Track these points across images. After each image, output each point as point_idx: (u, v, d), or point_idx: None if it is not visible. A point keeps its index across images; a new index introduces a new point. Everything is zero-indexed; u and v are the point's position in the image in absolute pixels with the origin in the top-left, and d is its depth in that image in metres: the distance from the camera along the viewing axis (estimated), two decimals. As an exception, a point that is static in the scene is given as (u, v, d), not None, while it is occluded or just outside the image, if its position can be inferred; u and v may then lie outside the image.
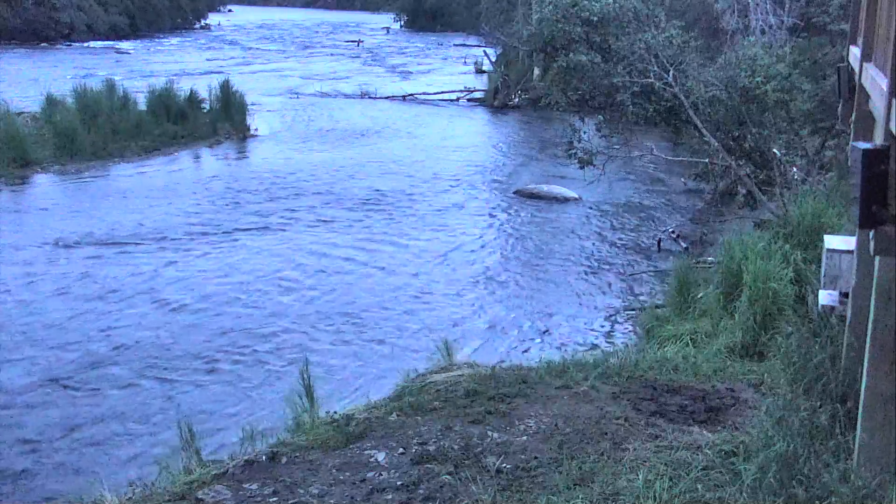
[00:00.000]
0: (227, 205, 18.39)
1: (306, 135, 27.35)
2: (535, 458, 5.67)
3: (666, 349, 8.80)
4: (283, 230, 16.59)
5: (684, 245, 16.00)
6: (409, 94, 36.04)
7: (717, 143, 14.84)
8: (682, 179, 20.65)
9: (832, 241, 7.01)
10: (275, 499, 5.33)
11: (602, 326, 12.19)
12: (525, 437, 6.06)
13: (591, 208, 19.08)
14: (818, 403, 5.60)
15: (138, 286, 13.14)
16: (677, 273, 11.51)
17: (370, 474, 5.59)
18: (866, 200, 4.01)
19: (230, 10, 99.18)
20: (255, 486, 5.51)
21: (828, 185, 13.16)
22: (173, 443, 7.02)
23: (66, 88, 25.10)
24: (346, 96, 35.76)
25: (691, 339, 9.47)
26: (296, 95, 35.45)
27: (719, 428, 6.16)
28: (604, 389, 7.02)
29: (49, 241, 15.19)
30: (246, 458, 5.95)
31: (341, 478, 5.57)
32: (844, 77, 7.09)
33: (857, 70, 6.22)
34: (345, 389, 9.50)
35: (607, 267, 15.04)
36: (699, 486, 4.92)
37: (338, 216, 17.72)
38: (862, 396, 4.83)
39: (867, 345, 4.79)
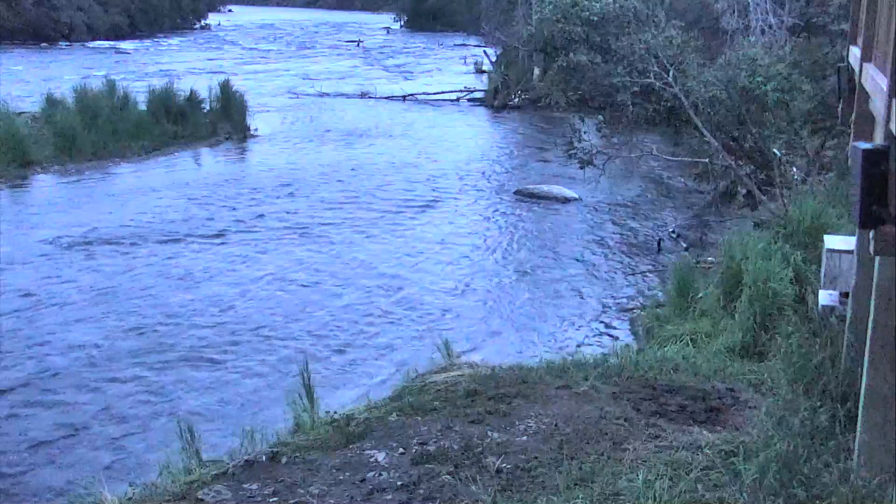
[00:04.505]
0: (227, 205, 18.38)
1: (306, 135, 27.35)
2: (535, 458, 5.67)
3: (666, 349, 8.80)
4: (283, 230, 16.58)
5: (684, 245, 16.00)
6: (409, 95, 35.99)
7: (717, 143, 14.85)
8: (682, 179, 20.65)
9: (832, 241, 7.03)
10: (275, 499, 5.33)
11: (602, 326, 12.19)
12: (525, 437, 6.06)
13: (591, 208, 19.08)
14: (818, 403, 5.60)
15: (138, 286, 13.14)
16: (677, 273, 11.51)
17: (370, 474, 5.59)
18: (866, 200, 4.01)
19: (230, 10, 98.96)
20: (255, 486, 5.51)
21: (828, 185, 13.17)
22: (173, 443, 7.02)
23: (66, 88, 25.09)
24: (346, 96, 35.73)
25: (691, 339, 9.48)
26: (296, 95, 35.43)
27: (719, 428, 6.16)
28: (604, 389, 7.02)
29: (49, 241, 15.18)
30: (246, 458, 5.95)
31: (341, 478, 5.57)
32: (844, 77, 7.10)
33: (857, 70, 6.22)
34: (345, 389, 9.50)
35: (607, 267, 15.04)
36: (699, 486, 4.91)
37: (337, 216, 17.72)
38: (862, 396, 4.83)
39: (867, 345, 4.79)
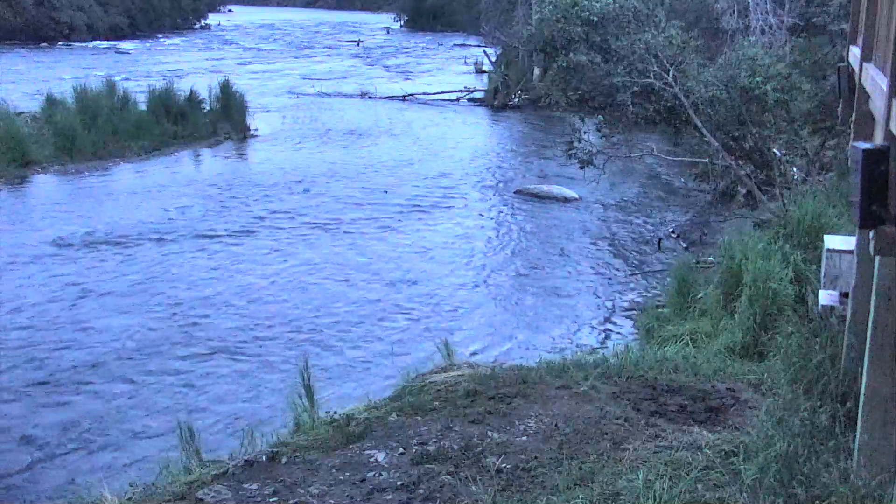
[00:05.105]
0: (226, 205, 18.38)
1: (306, 135, 27.35)
2: (535, 458, 5.67)
3: (666, 349, 8.79)
4: (283, 230, 16.59)
5: (684, 245, 16.00)
6: (409, 95, 35.99)
7: (717, 143, 14.85)
8: (682, 179, 20.65)
9: (832, 241, 7.02)
10: (275, 499, 5.33)
11: (602, 326, 12.19)
12: (525, 437, 6.06)
13: (591, 208, 19.08)
14: (818, 403, 5.60)
15: (138, 286, 13.14)
16: (677, 273, 11.51)
17: (370, 474, 5.59)
18: (866, 200, 4.01)
19: (230, 10, 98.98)
20: (255, 486, 5.51)
21: (828, 185, 13.17)
22: (173, 443, 7.02)
23: (66, 88, 25.09)
24: (346, 96, 35.74)
25: (691, 339, 9.48)
26: (296, 95, 35.43)
27: (719, 428, 6.15)
28: (604, 389, 7.01)
29: (49, 241, 15.18)
30: (246, 458, 5.94)
31: (341, 478, 5.57)
32: (844, 77, 7.09)
33: (857, 70, 6.21)
34: (345, 389, 9.50)
35: (607, 267, 15.04)
36: (699, 486, 4.91)
37: (338, 216, 17.72)
38: (862, 396, 4.83)
39: (867, 345, 4.79)
